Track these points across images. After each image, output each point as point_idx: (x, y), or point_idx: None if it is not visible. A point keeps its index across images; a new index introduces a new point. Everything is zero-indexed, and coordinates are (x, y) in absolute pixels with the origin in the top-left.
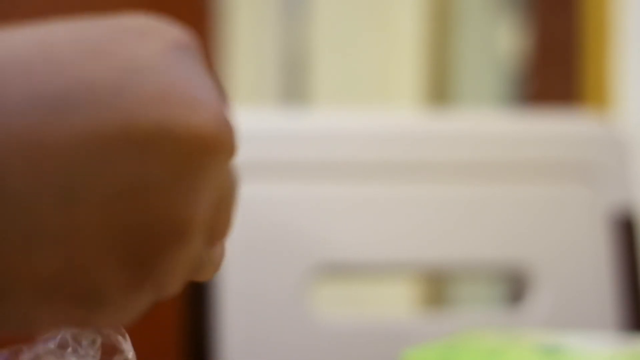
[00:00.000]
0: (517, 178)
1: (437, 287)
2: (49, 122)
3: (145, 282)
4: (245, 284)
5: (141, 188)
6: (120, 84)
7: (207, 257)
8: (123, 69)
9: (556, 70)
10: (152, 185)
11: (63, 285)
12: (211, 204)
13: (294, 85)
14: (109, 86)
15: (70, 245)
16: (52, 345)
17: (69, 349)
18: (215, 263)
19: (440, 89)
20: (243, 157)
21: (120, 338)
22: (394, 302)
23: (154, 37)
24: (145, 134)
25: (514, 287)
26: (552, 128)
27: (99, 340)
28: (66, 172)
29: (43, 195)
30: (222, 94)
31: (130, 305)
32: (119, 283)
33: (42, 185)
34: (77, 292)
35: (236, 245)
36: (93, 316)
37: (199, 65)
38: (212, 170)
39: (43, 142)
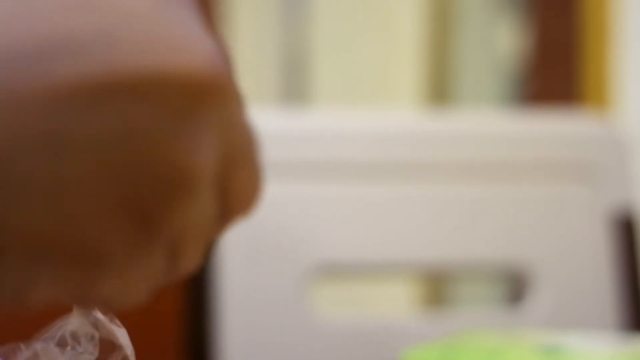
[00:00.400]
0: (517, 178)
1: (437, 287)
2: (30, 71)
3: (153, 239)
4: (245, 283)
5: (135, 135)
6: (107, 31)
7: (223, 220)
8: (110, 16)
9: (556, 70)
10: (146, 131)
11: (60, 242)
12: (218, 157)
13: (294, 85)
14: (94, 34)
15: (63, 198)
16: (50, 342)
17: (68, 347)
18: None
19: (440, 89)
20: None
21: (118, 335)
22: (394, 302)
23: None
24: (134, 78)
25: (514, 287)
26: (552, 128)
27: (97, 337)
28: (51, 121)
29: (28, 147)
30: (219, 43)
31: (137, 267)
32: (122, 239)
33: (25, 136)
34: (76, 250)
35: (236, 245)
36: (95, 279)
37: (192, 13)
38: (211, 116)
39: (22, 92)
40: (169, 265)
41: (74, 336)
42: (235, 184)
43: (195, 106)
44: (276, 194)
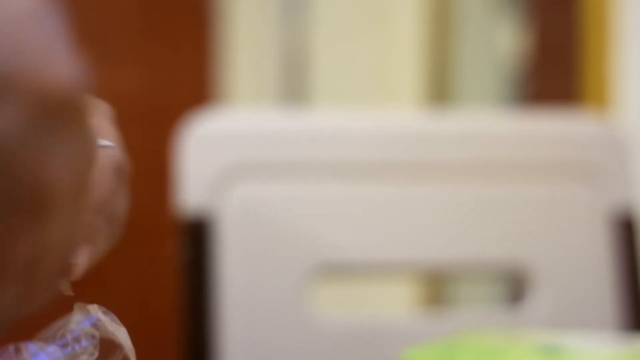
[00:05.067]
0: (517, 178)
1: (437, 287)
2: None
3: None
4: (245, 283)
5: None
6: None
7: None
8: None
9: (556, 70)
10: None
11: None
12: (72, 170)
13: (294, 85)
14: None
15: None
16: (50, 342)
17: (68, 347)
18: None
19: (440, 89)
20: (243, 157)
21: (118, 334)
22: (394, 302)
23: None
24: None
25: (514, 287)
26: (552, 128)
27: (97, 337)
28: None
29: None
30: (76, 58)
31: None
32: None
33: None
34: None
35: (236, 245)
36: None
37: (60, 27)
38: (67, 129)
39: None
40: (19, 299)
41: (74, 336)
42: (87, 191)
43: (53, 117)
44: (276, 194)
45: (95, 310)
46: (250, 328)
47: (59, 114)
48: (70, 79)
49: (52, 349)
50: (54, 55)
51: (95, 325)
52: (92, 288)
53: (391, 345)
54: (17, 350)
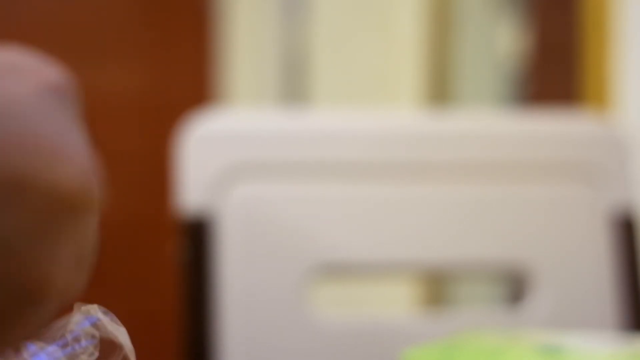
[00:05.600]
0: (517, 178)
1: (437, 287)
2: None
3: None
4: (244, 283)
5: None
6: None
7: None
8: None
9: (556, 70)
10: (4, 242)
11: None
12: (70, 264)
13: (294, 85)
14: None
15: None
16: (50, 342)
17: (68, 347)
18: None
19: (440, 89)
20: (243, 157)
21: (118, 335)
22: (394, 302)
23: (25, 75)
24: (1, 184)
25: (514, 287)
26: (552, 128)
27: (97, 337)
28: None
29: None
30: (88, 146)
31: None
32: None
33: None
34: None
35: (236, 245)
36: None
37: (69, 112)
38: (73, 228)
39: None
40: None
41: (74, 336)
42: (77, 281)
43: (61, 219)
44: (276, 194)
45: (95, 310)
46: (250, 328)
47: (68, 214)
48: (82, 177)
49: (52, 349)
50: (65, 150)
51: (95, 325)
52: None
53: (391, 345)
54: (17, 350)
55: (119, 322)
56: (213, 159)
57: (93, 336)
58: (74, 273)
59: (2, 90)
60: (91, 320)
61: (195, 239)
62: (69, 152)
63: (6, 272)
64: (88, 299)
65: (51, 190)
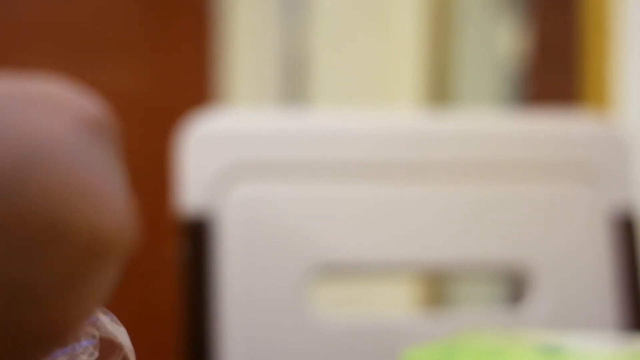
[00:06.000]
0: (517, 178)
1: (437, 287)
2: None
3: None
4: (245, 283)
5: (24, 288)
6: (14, 167)
7: None
8: (20, 148)
9: (556, 70)
10: (37, 287)
11: None
12: (93, 305)
13: (294, 85)
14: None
15: None
16: None
17: (68, 347)
18: None
19: (440, 89)
20: (243, 157)
21: (118, 334)
22: (394, 302)
23: (60, 109)
24: (37, 229)
25: (514, 287)
26: (552, 128)
27: (97, 337)
28: None
29: None
30: (125, 185)
31: None
32: None
33: None
34: None
35: (236, 245)
36: None
37: (107, 149)
38: (103, 273)
39: None
40: None
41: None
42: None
43: (95, 265)
44: (276, 194)
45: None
46: (250, 328)
47: (102, 261)
48: (120, 223)
49: None
50: (105, 193)
51: (95, 325)
52: None
53: (391, 345)
54: None
55: (119, 322)
56: (213, 159)
57: (93, 336)
58: (92, 309)
59: (35, 126)
60: (91, 320)
61: (195, 239)
62: (108, 194)
63: (29, 322)
64: None
65: (90, 237)
